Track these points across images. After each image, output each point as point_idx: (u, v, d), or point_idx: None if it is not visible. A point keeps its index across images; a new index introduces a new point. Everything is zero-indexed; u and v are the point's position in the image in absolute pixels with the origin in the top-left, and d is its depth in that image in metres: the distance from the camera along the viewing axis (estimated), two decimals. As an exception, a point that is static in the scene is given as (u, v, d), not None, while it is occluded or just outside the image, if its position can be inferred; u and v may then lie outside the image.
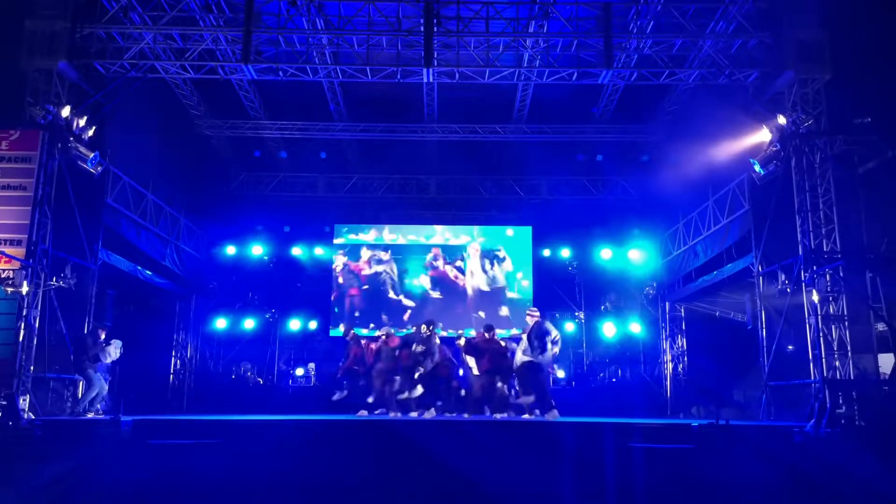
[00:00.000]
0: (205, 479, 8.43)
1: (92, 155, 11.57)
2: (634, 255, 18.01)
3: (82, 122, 11.41)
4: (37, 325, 10.76)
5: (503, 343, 12.33)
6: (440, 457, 8.53)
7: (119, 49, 12.12)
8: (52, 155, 11.09)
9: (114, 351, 11.68)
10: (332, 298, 17.91)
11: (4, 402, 9.90)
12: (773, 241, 12.04)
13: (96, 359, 11.44)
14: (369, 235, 18.37)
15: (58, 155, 11.16)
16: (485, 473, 8.42)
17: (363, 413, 12.07)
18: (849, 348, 10.67)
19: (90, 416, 11.03)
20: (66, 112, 11.19)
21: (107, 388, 11.75)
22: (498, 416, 11.41)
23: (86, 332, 11.88)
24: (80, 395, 11.50)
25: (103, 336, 11.76)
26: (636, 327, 17.77)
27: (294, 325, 17.71)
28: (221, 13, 12.48)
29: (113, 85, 12.22)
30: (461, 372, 12.98)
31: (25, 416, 9.98)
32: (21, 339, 10.39)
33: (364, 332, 16.39)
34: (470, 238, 18.33)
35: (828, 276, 10.91)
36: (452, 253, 18.24)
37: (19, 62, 11.50)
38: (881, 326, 11.40)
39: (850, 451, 9.02)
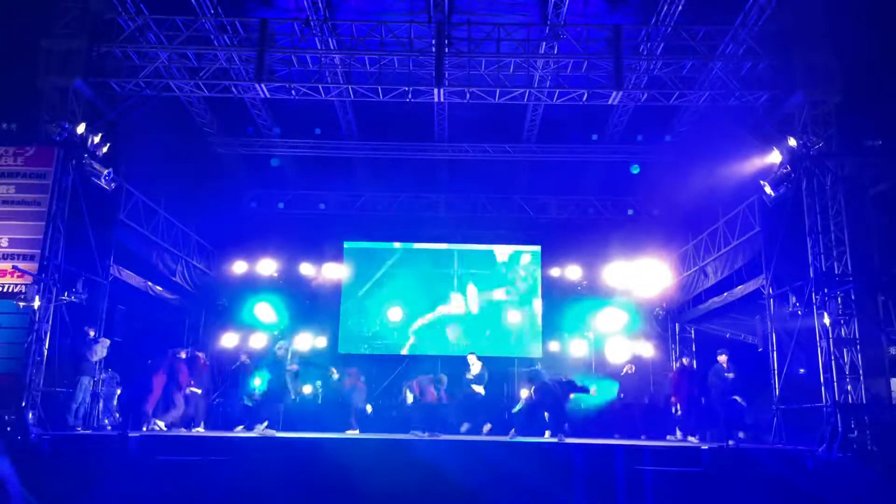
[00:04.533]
0: (212, 496, 8.42)
1: (106, 171, 11.68)
2: (644, 276, 17.93)
3: (97, 139, 11.53)
4: (47, 339, 10.81)
5: None
6: (452, 476, 8.50)
7: (134, 68, 12.28)
8: (66, 171, 11.21)
9: (100, 349, 11.68)
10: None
11: (14, 417, 9.93)
12: (783, 263, 11.97)
13: (84, 357, 11.46)
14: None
15: (72, 171, 11.29)
16: (496, 494, 8.39)
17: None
18: (861, 372, 10.55)
19: (79, 430, 11.03)
20: (81, 129, 11.33)
21: (89, 399, 11.68)
22: None
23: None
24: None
25: (92, 334, 11.77)
26: (646, 348, 17.65)
27: (303, 341, 17.68)
28: (236, 33, 12.65)
29: (127, 103, 12.38)
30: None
31: (34, 430, 9.99)
32: (31, 353, 10.44)
33: None
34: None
35: (839, 298, 10.83)
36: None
37: (36, 80, 11.67)
38: (894, 350, 11.29)
39: (862, 476, 8.92)
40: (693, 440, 12.40)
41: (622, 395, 15.30)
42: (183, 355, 13.00)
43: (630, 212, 18.70)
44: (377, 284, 18.26)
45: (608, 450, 9.55)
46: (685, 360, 13.85)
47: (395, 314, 18.00)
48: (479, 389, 13.69)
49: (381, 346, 17.81)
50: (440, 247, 18.56)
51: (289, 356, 12.97)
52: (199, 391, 13.08)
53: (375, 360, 17.74)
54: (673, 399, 14.00)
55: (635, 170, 16.98)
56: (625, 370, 15.54)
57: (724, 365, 12.68)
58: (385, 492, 8.53)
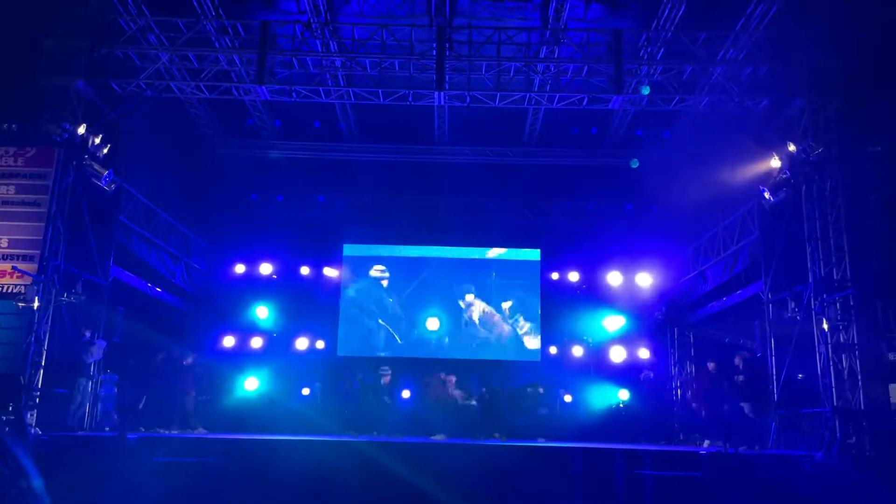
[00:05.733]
0: (210, 497, 8.41)
1: (106, 172, 11.69)
2: (643, 280, 17.94)
3: (97, 140, 11.54)
4: (47, 340, 10.80)
5: None
6: (453, 480, 8.50)
7: (136, 69, 12.28)
8: (66, 172, 11.22)
9: (96, 351, 11.72)
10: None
11: (12, 417, 9.92)
12: (782, 268, 11.99)
13: (80, 359, 11.47)
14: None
15: (72, 172, 11.29)
16: (495, 497, 8.39)
17: None
18: (859, 378, 10.56)
19: (77, 431, 11.01)
20: (81, 130, 11.33)
21: (88, 400, 11.71)
22: None
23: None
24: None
25: (88, 335, 11.77)
26: (644, 352, 17.64)
27: (301, 343, 17.67)
28: (237, 35, 12.67)
29: (128, 104, 12.39)
30: None
31: (33, 430, 9.99)
32: (31, 354, 10.43)
33: None
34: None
35: (838, 304, 10.84)
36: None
37: (37, 80, 11.67)
38: (892, 356, 11.30)
39: (861, 481, 8.93)
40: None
41: (622, 404, 15.31)
42: (190, 360, 13.10)
43: (629, 213, 18.70)
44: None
45: (608, 454, 9.54)
46: (711, 366, 13.30)
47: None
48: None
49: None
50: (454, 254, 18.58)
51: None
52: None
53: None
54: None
55: (634, 164, 16.81)
56: (643, 374, 15.51)
57: (740, 367, 12.30)
58: (385, 494, 8.53)
